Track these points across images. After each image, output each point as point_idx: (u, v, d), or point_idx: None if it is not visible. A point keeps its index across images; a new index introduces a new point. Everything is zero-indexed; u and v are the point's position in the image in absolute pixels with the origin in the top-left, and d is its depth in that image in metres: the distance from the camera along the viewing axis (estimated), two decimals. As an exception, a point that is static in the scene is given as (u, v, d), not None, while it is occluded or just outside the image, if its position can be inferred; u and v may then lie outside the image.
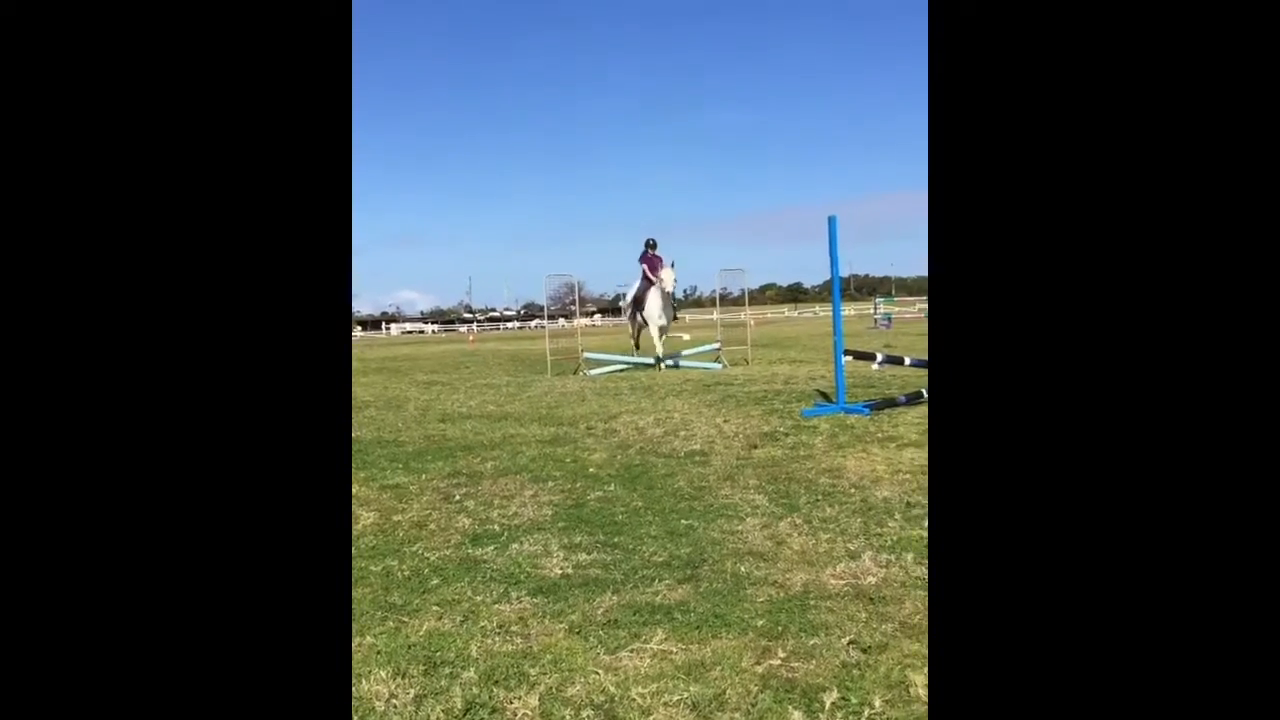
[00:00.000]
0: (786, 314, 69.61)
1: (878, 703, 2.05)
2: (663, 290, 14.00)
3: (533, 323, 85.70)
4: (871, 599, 2.76)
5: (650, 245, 14.65)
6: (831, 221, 7.19)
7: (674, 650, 2.42)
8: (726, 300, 27.94)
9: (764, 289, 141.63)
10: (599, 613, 2.76)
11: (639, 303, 14.69)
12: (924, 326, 27.91)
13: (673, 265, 14.02)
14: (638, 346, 15.53)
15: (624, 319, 17.53)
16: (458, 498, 4.62)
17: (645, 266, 14.53)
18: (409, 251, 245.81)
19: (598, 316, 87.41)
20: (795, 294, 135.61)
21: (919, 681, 2.13)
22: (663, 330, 14.29)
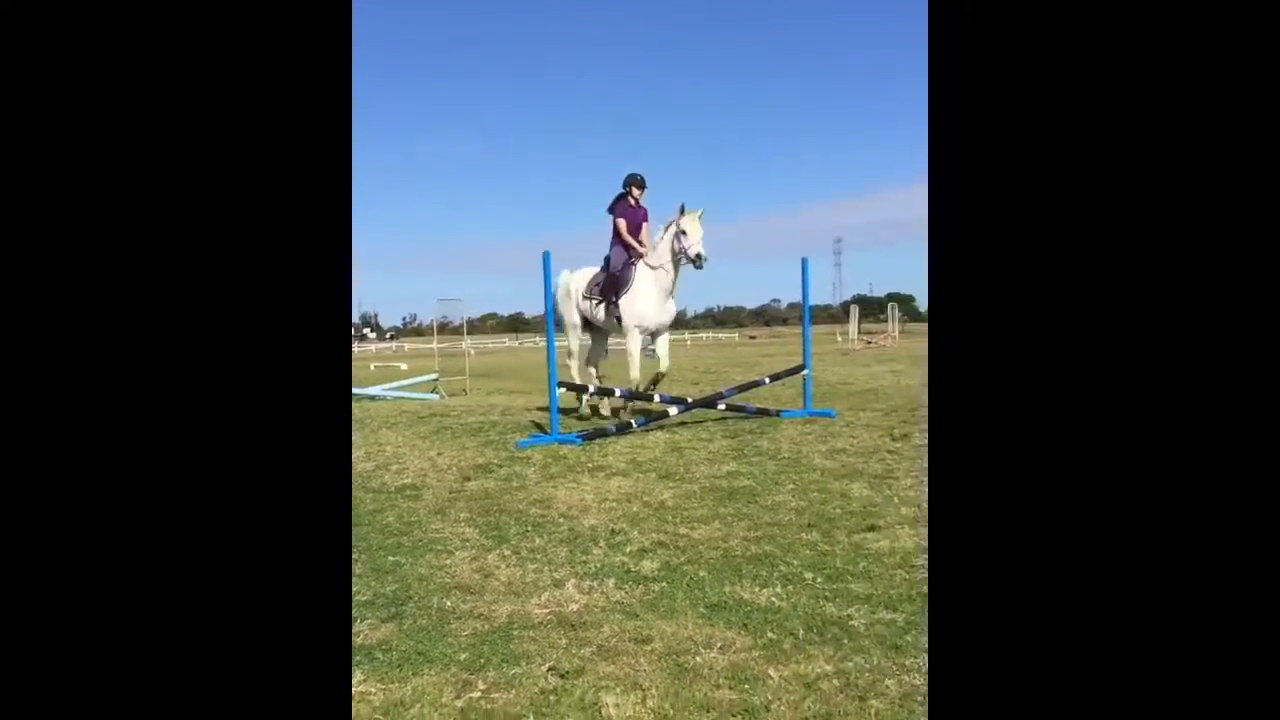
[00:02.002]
0: (508, 344, 69.91)
1: (571, 725, 2.14)
2: (672, 255, 7.85)
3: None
4: (573, 625, 2.87)
5: (635, 184, 8.40)
6: (546, 256, 7.38)
7: (372, 691, 2.38)
8: (446, 329, 27.53)
9: (485, 318, 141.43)
10: (294, 659, 2.64)
11: (612, 289, 8.20)
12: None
13: (699, 215, 7.75)
14: (591, 388, 8.48)
15: (562, 331, 8.94)
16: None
17: (620, 223, 8.23)
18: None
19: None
20: (516, 324, 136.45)
21: (610, 702, 2.25)
22: (653, 338, 8.24)
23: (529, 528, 4.31)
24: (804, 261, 8.68)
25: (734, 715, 2.17)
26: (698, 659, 2.54)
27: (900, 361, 18.35)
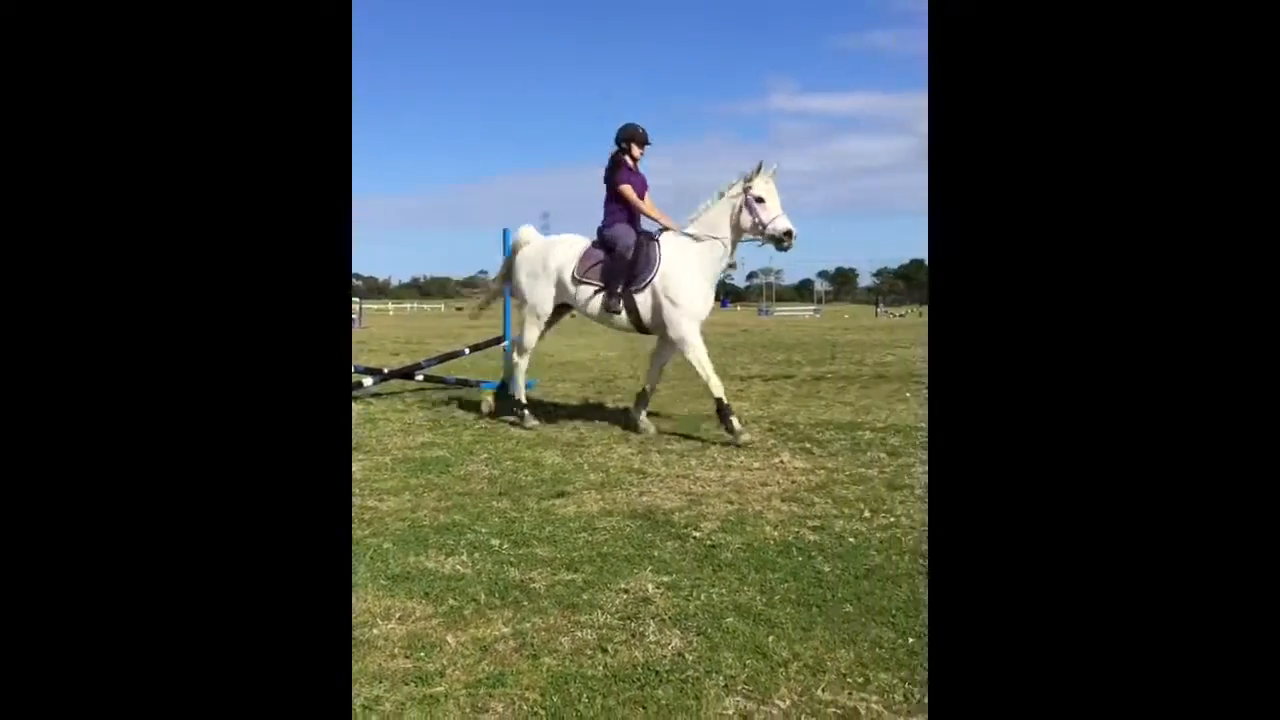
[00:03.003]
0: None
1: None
2: (733, 230, 5.71)
3: None
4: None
5: (635, 140, 6.14)
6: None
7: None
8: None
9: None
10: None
11: (622, 273, 5.87)
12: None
13: (773, 174, 5.70)
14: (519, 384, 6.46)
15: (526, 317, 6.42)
16: None
17: (627, 190, 6.06)
18: None
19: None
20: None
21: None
22: (675, 337, 5.80)
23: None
24: (504, 233, 8.69)
25: (406, 683, 2.15)
26: (374, 631, 2.49)
27: (600, 334, 18.98)
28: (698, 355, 5.68)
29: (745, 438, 5.42)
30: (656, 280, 5.76)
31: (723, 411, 5.54)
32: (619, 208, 6.10)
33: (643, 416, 5.95)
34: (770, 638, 2.43)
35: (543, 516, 3.78)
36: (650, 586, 2.86)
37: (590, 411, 6.86)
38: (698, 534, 3.48)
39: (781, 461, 4.89)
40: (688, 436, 5.74)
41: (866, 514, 3.76)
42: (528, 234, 6.56)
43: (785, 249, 5.64)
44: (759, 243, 5.67)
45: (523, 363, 6.45)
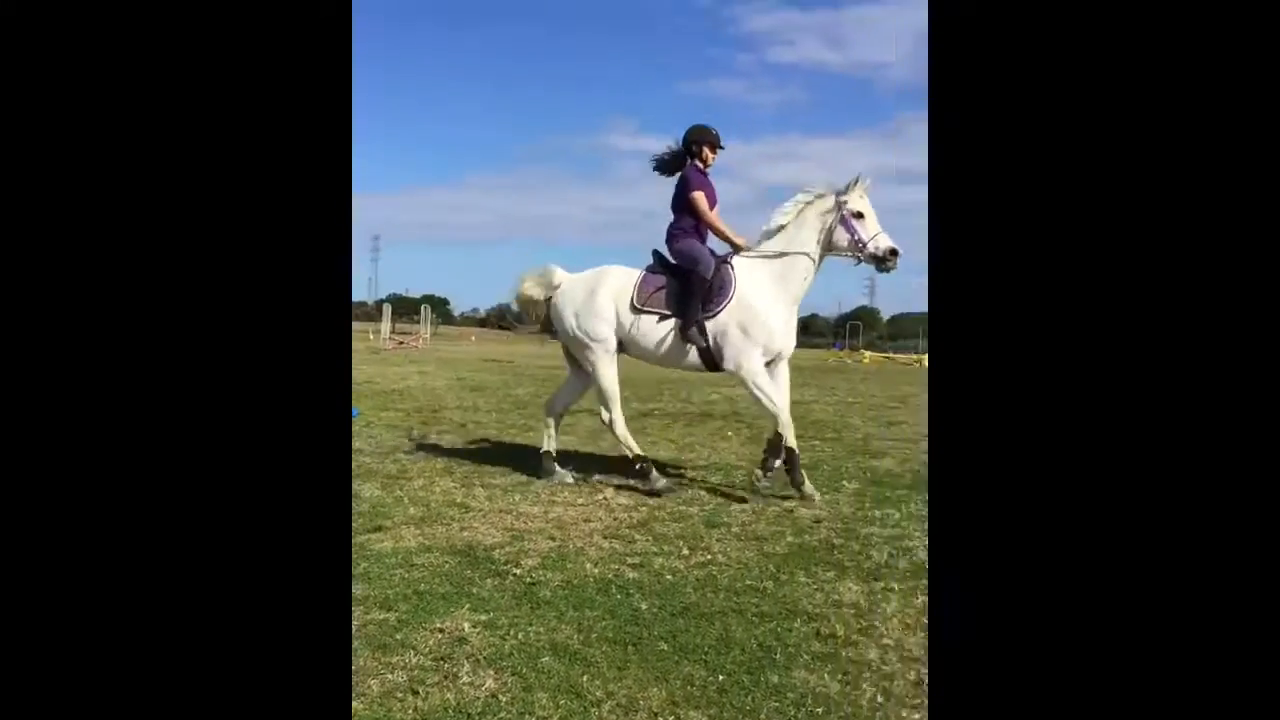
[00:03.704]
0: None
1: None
2: (820, 247, 5.05)
3: None
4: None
5: (709, 143, 5.29)
6: None
7: None
8: None
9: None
10: None
11: (694, 297, 5.02)
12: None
13: (868, 187, 5.02)
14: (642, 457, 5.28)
15: (581, 362, 5.45)
16: None
17: (696, 194, 5.20)
18: None
19: None
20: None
21: None
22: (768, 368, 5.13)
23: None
24: (332, 255, 8.41)
25: (198, 734, 2.02)
26: (165, 677, 2.33)
27: (429, 363, 18.61)
28: (764, 391, 4.95)
29: (809, 489, 4.89)
30: (731, 308, 5.01)
31: (793, 458, 4.91)
32: (688, 220, 5.28)
33: (796, 476, 4.98)
34: (585, 677, 2.45)
35: (357, 552, 3.65)
36: (467, 625, 2.82)
37: (411, 442, 6.70)
38: (518, 571, 3.46)
39: (605, 498, 4.94)
40: (512, 471, 5.70)
41: (685, 551, 3.86)
42: (558, 275, 5.51)
43: (888, 269, 4.93)
44: (856, 262, 5.04)
45: (616, 414, 5.34)
